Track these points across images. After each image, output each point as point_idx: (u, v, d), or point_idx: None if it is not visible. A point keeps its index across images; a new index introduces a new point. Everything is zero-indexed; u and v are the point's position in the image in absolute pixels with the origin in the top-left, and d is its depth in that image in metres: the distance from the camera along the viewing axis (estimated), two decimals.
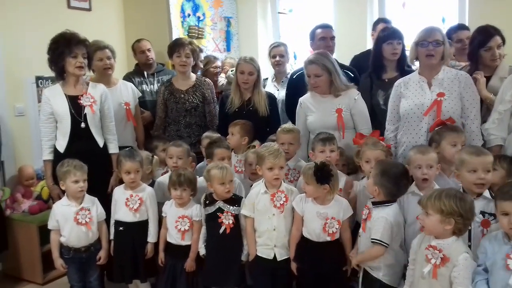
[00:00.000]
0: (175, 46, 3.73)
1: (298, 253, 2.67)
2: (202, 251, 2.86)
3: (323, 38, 3.68)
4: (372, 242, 2.35)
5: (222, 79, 4.68)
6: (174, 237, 2.90)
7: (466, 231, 2.12)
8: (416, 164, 2.54)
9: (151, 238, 3.02)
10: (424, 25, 3.01)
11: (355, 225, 2.76)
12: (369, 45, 4.81)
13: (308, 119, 3.28)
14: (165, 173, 3.32)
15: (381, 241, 2.32)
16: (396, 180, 2.38)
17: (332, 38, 3.72)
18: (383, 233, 2.32)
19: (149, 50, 4.32)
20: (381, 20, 4.22)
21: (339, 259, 2.64)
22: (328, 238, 2.57)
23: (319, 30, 3.72)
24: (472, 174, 2.33)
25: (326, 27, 3.75)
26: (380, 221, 2.35)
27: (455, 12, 4.63)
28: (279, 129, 3.21)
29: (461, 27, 3.76)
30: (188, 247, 2.88)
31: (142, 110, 3.98)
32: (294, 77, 3.78)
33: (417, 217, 2.19)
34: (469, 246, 2.29)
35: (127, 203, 2.99)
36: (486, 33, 3.10)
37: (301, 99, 3.34)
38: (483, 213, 2.33)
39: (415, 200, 2.47)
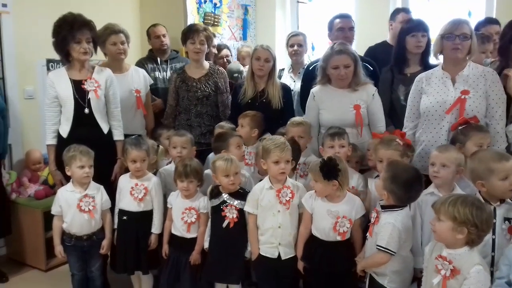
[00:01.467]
0: (189, 32, 3.60)
1: (306, 252, 2.57)
2: (206, 245, 2.78)
3: (341, 29, 3.53)
4: (378, 248, 2.23)
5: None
6: (179, 229, 2.83)
7: (479, 243, 1.93)
8: (431, 161, 2.44)
9: (155, 229, 2.94)
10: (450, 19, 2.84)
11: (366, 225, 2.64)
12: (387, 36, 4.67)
13: (322, 114, 3.13)
14: (169, 163, 3.24)
15: (386, 248, 2.19)
16: (406, 187, 2.23)
17: (351, 28, 3.56)
18: (389, 240, 2.19)
19: (164, 35, 4.24)
20: (401, 9, 4.03)
21: (350, 260, 2.52)
22: (339, 238, 2.46)
23: (337, 20, 3.57)
24: (505, 181, 2.16)
25: (345, 17, 3.59)
26: (387, 227, 2.21)
27: (482, 5, 4.44)
28: (288, 122, 3.10)
29: (490, 21, 3.56)
30: (193, 240, 2.81)
31: (154, 98, 3.90)
32: (310, 68, 3.63)
33: (430, 221, 2.03)
34: (492, 257, 2.15)
35: (132, 192, 2.92)
36: None
37: (313, 91, 3.18)
38: (507, 219, 2.19)
39: (433, 200, 2.30)
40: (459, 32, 2.68)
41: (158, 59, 4.19)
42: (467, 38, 2.69)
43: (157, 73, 4.13)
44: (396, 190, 2.22)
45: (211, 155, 3.28)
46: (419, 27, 3.24)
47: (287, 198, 2.57)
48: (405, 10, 3.95)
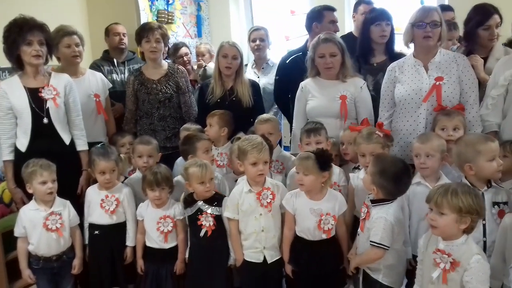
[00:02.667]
0: (144, 31, 3.42)
1: (293, 254, 2.50)
2: (186, 254, 2.67)
3: (333, 22, 3.47)
4: (371, 244, 2.19)
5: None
6: (155, 241, 2.69)
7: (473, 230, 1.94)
8: (415, 153, 2.44)
9: (130, 241, 2.79)
10: (405, 7, 2.86)
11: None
12: (348, 28, 4.68)
13: (308, 104, 3.06)
14: (132, 172, 3.07)
15: (380, 244, 2.16)
16: (396, 180, 2.19)
17: (336, 22, 3.53)
18: (383, 235, 2.15)
19: (124, 34, 4.04)
20: (362, 1, 4.03)
21: (337, 258, 2.49)
22: (324, 236, 2.41)
23: (328, 12, 3.50)
24: (493, 162, 2.20)
25: (334, 10, 3.55)
26: (379, 221, 2.17)
27: None
28: (256, 120, 3.02)
29: (445, 7, 3.62)
30: (172, 250, 2.69)
31: (113, 102, 3.67)
32: (287, 62, 3.55)
33: (426, 215, 1.98)
34: (484, 242, 2.16)
35: (103, 205, 2.75)
36: (485, 12, 2.96)
37: (302, 83, 3.11)
38: (496, 203, 2.20)
39: (420, 190, 2.38)
40: (429, 20, 2.68)
41: (115, 61, 3.98)
42: (437, 26, 2.70)
43: (114, 76, 3.92)
44: (385, 184, 2.19)
45: (179, 160, 3.16)
46: (383, 16, 3.23)
47: (268, 200, 2.49)
48: (366, 1, 3.95)
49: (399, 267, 2.29)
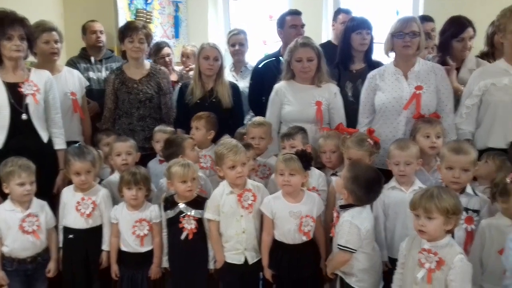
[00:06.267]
0: (128, 30, 3.38)
1: (273, 259, 2.51)
2: (165, 264, 2.64)
3: (294, 26, 3.50)
4: (338, 248, 2.24)
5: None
6: (131, 245, 2.64)
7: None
8: (394, 160, 2.49)
9: (106, 245, 2.72)
10: (380, 18, 2.94)
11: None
12: (325, 35, 4.76)
13: (284, 109, 3.09)
14: (111, 172, 3.02)
15: (345, 247, 2.20)
16: (367, 188, 2.26)
17: (303, 25, 3.55)
18: (348, 238, 2.20)
19: (101, 32, 3.97)
20: (341, 10, 4.12)
21: (316, 261, 2.52)
22: (304, 238, 2.44)
23: (289, 17, 3.54)
24: (449, 171, 2.30)
25: (297, 14, 3.58)
26: (344, 225, 2.23)
27: (410, 4, 4.66)
28: (249, 122, 3.03)
29: (425, 18, 3.72)
30: (148, 254, 2.65)
31: (88, 100, 3.61)
32: (260, 66, 3.57)
33: (416, 226, 1.99)
34: None
35: (78, 208, 2.67)
36: (460, 24, 3.09)
37: (277, 86, 3.13)
38: (466, 209, 2.29)
39: (395, 194, 2.45)
40: (409, 30, 2.77)
41: (92, 59, 3.91)
42: (416, 35, 2.78)
43: (91, 74, 3.85)
44: (356, 190, 2.25)
45: (152, 163, 3.14)
46: (363, 25, 3.30)
47: (249, 202, 2.50)
48: (345, 11, 4.04)
49: (373, 271, 2.33)
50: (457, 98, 2.95)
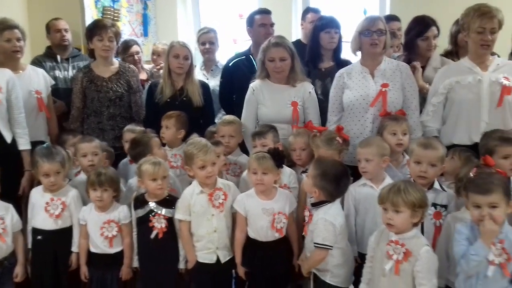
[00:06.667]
0: (96, 29, 3.34)
1: (246, 256, 2.52)
2: (135, 264, 2.61)
3: (263, 25, 3.51)
4: (315, 246, 2.27)
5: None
6: (99, 246, 2.61)
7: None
8: (357, 158, 2.54)
9: (76, 247, 2.67)
10: (348, 17, 2.99)
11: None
12: (295, 34, 4.79)
13: (260, 109, 3.10)
14: (78, 173, 2.97)
15: (323, 244, 2.24)
16: (336, 182, 2.30)
17: (272, 24, 3.56)
18: (325, 235, 2.23)
19: (66, 30, 3.89)
20: (310, 9, 4.16)
21: (289, 258, 2.55)
22: (277, 235, 2.46)
23: (258, 16, 3.54)
24: (417, 165, 2.35)
25: (265, 13, 3.58)
26: (320, 223, 2.26)
27: (376, 3, 4.74)
28: (219, 121, 3.02)
29: (391, 17, 3.80)
30: (118, 255, 2.62)
31: (54, 100, 3.53)
32: (230, 64, 3.57)
33: (384, 220, 2.05)
34: None
35: (47, 208, 2.62)
36: (424, 23, 3.17)
37: (253, 85, 3.13)
38: (434, 205, 2.35)
39: (366, 191, 2.49)
40: (375, 28, 2.82)
41: (58, 57, 3.83)
42: (383, 34, 2.84)
43: (57, 72, 3.77)
44: (327, 186, 2.28)
45: (122, 163, 3.11)
46: (332, 24, 3.34)
47: (220, 201, 2.51)
48: (313, 10, 4.07)
49: (346, 266, 2.37)
50: (422, 96, 3.02)
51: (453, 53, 3.37)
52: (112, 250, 2.60)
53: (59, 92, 3.67)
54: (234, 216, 2.57)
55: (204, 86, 3.44)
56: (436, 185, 2.38)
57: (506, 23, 2.72)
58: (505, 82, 2.67)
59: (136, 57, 4.10)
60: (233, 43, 5.30)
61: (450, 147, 2.68)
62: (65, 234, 2.66)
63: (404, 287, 2.02)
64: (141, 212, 2.56)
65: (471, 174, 2.16)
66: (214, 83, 3.81)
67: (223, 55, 4.40)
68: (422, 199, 2.00)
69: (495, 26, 2.66)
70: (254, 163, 2.44)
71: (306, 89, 3.07)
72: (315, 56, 3.39)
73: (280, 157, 2.47)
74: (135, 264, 2.62)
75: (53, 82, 3.48)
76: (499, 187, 1.95)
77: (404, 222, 2.00)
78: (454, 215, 2.24)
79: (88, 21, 4.21)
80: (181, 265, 2.58)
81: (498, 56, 2.93)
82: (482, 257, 1.91)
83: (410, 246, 1.99)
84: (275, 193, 2.49)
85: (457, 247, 1.99)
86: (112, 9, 4.61)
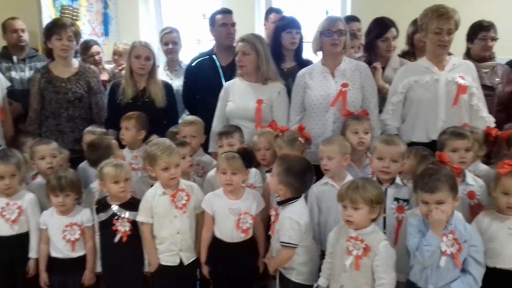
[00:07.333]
0: (55, 28, 3.26)
1: (210, 256, 2.52)
2: (99, 269, 2.57)
3: (224, 25, 3.50)
4: (281, 245, 2.28)
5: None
6: (61, 250, 2.56)
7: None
8: (319, 156, 2.57)
9: (33, 253, 2.60)
10: (310, 17, 3.03)
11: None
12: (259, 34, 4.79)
13: (228, 106, 3.09)
14: (34, 175, 2.88)
15: (289, 243, 2.26)
16: (301, 176, 2.32)
17: (233, 24, 3.55)
18: (290, 234, 2.25)
19: (23, 30, 3.80)
20: (273, 10, 4.18)
21: (253, 259, 2.54)
22: (243, 235, 2.46)
23: (219, 16, 3.53)
24: (380, 161, 2.40)
25: (226, 12, 3.57)
26: (285, 222, 2.27)
27: (338, 4, 4.82)
28: (180, 121, 2.98)
29: (351, 18, 3.85)
30: (81, 259, 2.56)
31: (10, 101, 3.44)
32: (193, 64, 3.55)
33: (344, 217, 2.10)
34: (384, 233, 2.32)
35: (3, 213, 2.55)
36: (384, 25, 3.25)
37: (226, 84, 3.15)
38: (397, 199, 2.40)
39: (328, 189, 2.52)
40: (336, 29, 2.86)
41: (14, 57, 3.74)
42: (343, 34, 2.88)
43: (13, 73, 3.69)
44: (292, 181, 2.30)
45: (82, 166, 3.04)
46: (293, 24, 3.38)
47: (183, 202, 2.49)
48: (276, 10, 4.10)
49: (311, 263, 2.39)
50: (382, 96, 3.09)
51: (410, 54, 3.47)
52: (75, 254, 2.55)
53: (15, 93, 3.59)
54: (198, 218, 2.55)
55: (167, 87, 3.41)
56: (398, 180, 2.43)
57: (461, 24, 2.80)
58: (461, 81, 2.75)
59: (96, 57, 4.02)
60: (197, 43, 5.28)
61: (409, 145, 2.73)
62: (22, 239, 2.58)
63: (364, 282, 2.06)
64: (103, 215, 2.52)
65: None
66: (178, 83, 3.79)
67: (187, 55, 4.37)
68: (379, 195, 2.05)
69: (452, 27, 2.73)
70: (224, 163, 2.43)
71: (275, 89, 3.08)
72: (277, 56, 3.38)
73: (249, 157, 2.47)
74: (98, 269, 2.57)
75: (9, 84, 3.41)
76: (445, 184, 2.01)
77: (363, 218, 2.04)
78: (413, 211, 2.29)
79: (46, 20, 4.12)
80: (146, 269, 2.55)
81: (454, 56, 3.02)
82: (434, 246, 1.98)
83: (369, 242, 2.04)
84: (243, 193, 2.49)
85: (411, 240, 2.05)
86: (71, 8, 4.52)
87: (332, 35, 2.86)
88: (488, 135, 2.67)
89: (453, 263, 2.02)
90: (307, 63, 3.30)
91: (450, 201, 2.02)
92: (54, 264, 2.57)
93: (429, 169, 2.13)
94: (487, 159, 2.73)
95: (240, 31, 3.73)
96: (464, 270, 2.05)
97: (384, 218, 2.37)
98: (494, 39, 3.29)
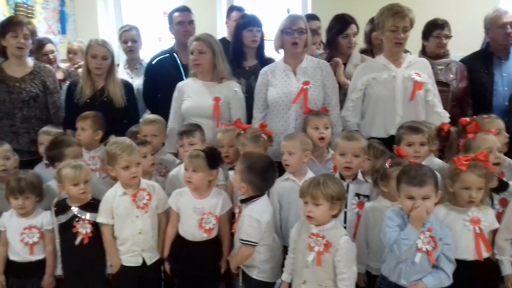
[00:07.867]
0: (11, 25, 3.15)
1: (172, 253, 2.50)
2: (59, 272, 2.51)
3: (181, 23, 3.48)
4: (241, 242, 2.29)
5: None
6: (19, 253, 2.49)
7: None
8: (281, 151, 2.60)
9: None
10: (271, 15, 3.05)
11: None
12: (221, 32, 4.79)
13: (183, 104, 3.07)
14: None
15: (247, 241, 2.27)
16: (263, 174, 2.34)
17: (191, 22, 3.53)
18: (249, 232, 2.26)
19: None
20: (234, 8, 4.19)
21: (216, 259, 2.53)
22: (205, 235, 2.44)
23: (176, 14, 3.51)
24: (342, 157, 2.44)
25: (184, 10, 3.54)
26: (245, 219, 2.29)
27: (299, 3, 4.86)
28: (141, 120, 2.94)
29: (311, 17, 3.89)
30: (39, 262, 2.51)
31: None
32: (153, 62, 3.51)
33: (305, 213, 2.11)
34: (344, 227, 2.38)
35: None
36: (344, 22, 3.29)
37: (179, 84, 3.12)
38: (358, 195, 2.45)
39: (289, 185, 2.54)
40: (296, 27, 2.89)
41: None
42: (303, 32, 2.91)
43: None
44: (254, 179, 2.31)
45: (38, 168, 2.96)
46: (254, 22, 3.38)
47: (145, 202, 2.47)
48: (238, 8, 4.10)
49: (273, 261, 2.41)
50: (344, 92, 3.13)
51: (368, 51, 3.53)
52: (33, 258, 2.49)
53: None
54: (160, 217, 2.54)
55: (127, 86, 3.35)
56: (360, 176, 2.49)
57: (416, 22, 2.88)
58: (417, 78, 2.83)
59: (50, 56, 3.89)
60: (158, 41, 5.21)
61: (369, 140, 2.80)
62: None
63: (326, 277, 2.09)
64: (63, 218, 2.46)
65: (387, 165, 2.28)
66: (139, 82, 3.72)
67: (148, 53, 4.30)
68: (340, 192, 2.07)
69: (407, 25, 2.80)
70: (186, 160, 2.44)
71: (231, 87, 3.08)
72: (239, 55, 3.41)
73: (215, 158, 2.44)
74: (59, 272, 2.52)
75: None
76: (431, 179, 2.04)
77: (324, 214, 2.06)
78: (372, 205, 2.36)
79: None
80: (109, 271, 2.50)
81: (410, 54, 3.10)
82: (412, 241, 2.00)
83: (330, 237, 2.07)
84: (209, 193, 2.48)
85: (390, 234, 2.05)
86: (25, 5, 4.37)
87: (293, 34, 2.88)
88: (441, 130, 2.74)
89: (428, 260, 2.03)
90: (269, 61, 3.32)
91: (433, 197, 2.04)
92: (13, 267, 2.51)
93: (413, 165, 2.16)
94: (440, 154, 2.81)
95: (202, 29, 3.70)
96: (435, 266, 2.06)
97: (345, 212, 2.42)
98: (448, 36, 3.39)
